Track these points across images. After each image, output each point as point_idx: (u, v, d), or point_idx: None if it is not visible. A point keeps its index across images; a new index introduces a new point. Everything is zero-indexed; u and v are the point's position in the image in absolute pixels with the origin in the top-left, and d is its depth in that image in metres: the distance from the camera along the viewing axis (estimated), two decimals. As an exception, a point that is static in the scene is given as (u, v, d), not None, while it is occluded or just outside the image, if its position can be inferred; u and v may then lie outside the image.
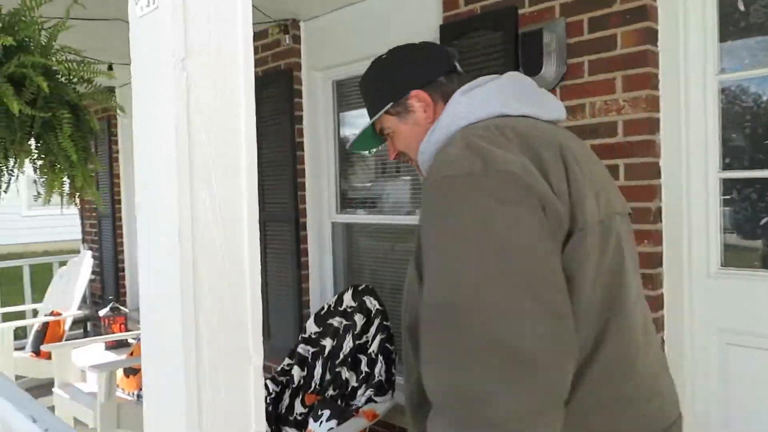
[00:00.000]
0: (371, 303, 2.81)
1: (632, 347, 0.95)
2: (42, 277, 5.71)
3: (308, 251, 3.46)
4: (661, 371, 1.03)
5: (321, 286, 3.47)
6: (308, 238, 3.46)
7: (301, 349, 2.93)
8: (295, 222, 3.42)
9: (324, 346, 2.89)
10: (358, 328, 2.79)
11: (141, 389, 3.74)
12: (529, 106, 1.02)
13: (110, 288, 5.52)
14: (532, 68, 2.22)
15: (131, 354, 3.81)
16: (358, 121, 3.37)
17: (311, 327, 2.97)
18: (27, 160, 1.92)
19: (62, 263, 5.69)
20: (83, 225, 6.01)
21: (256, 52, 3.69)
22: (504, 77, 1.07)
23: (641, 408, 0.95)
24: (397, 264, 3.17)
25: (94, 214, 5.77)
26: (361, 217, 3.30)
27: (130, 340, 4.06)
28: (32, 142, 1.90)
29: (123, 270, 5.46)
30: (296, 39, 3.40)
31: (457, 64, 1.17)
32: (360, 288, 2.92)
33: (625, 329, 0.93)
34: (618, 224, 0.97)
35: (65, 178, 2.01)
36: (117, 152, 5.39)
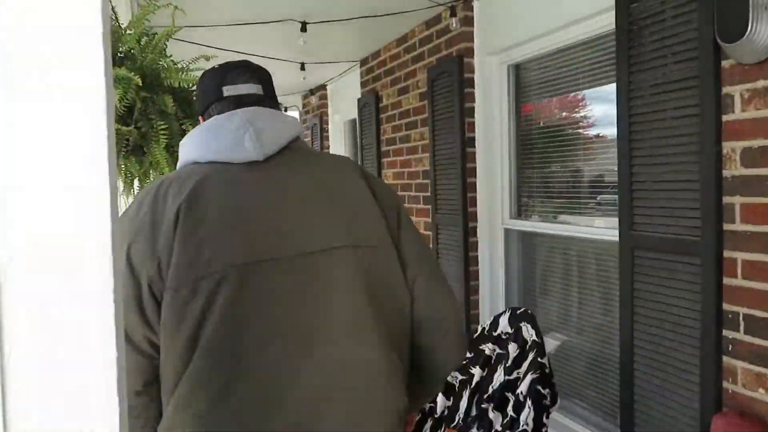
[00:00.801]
0: (528, 332, 2.34)
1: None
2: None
3: (478, 260, 3.07)
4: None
5: (492, 301, 3.06)
6: (479, 245, 3.07)
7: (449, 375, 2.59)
8: (464, 227, 3.06)
9: (472, 375, 2.50)
10: (510, 360, 2.34)
11: None
12: (221, 152, 1.07)
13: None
14: (732, 29, 1.54)
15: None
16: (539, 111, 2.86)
17: (462, 351, 2.60)
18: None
19: None
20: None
21: (429, 40, 3.40)
22: (213, 119, 1.12)
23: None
24: (577, 287, 2.62)
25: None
26: (538, 225, 2.80)
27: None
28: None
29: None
30: (468, 21, 3.01)
31: (230, 89, 1.15)
32: (518, 312, 2.46)
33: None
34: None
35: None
36: (328, 147, 5.57)
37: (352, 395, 1.06)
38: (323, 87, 5.52)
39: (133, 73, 1.71)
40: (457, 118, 3.05)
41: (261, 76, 1.20)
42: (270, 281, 1.03)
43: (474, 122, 3.03)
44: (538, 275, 2.85)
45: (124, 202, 1.93)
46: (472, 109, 3.03)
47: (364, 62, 4.39)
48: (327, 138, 5.54)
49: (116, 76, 1.73)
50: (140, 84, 1.72)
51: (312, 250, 1.05)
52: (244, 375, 1.02)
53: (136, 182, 1.97)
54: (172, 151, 1.93)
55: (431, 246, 3.46)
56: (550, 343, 2.78)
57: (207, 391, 1.01)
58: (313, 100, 5.69)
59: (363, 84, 4.45)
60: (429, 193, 3.43)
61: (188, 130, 1.93)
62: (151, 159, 1.89)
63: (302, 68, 4.23)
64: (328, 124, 5.54)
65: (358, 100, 4.46)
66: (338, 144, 5.49)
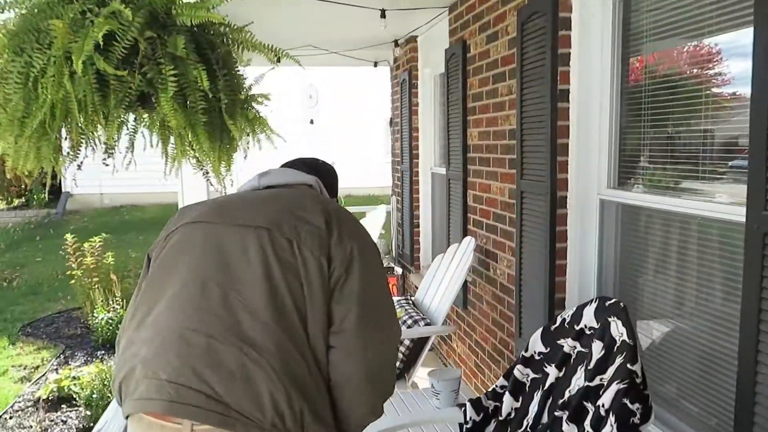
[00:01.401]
0: (617, 329, 1.90)
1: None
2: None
3: (567, 235, 2.62)
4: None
5: (581, 286, 2.60)
6: (568, 218, 2.61)
7: (519, 371, 2.20)
8: (551, 196, 2.60)
9: (547, 375, 2.10)
10: (593, 362, 1.92)
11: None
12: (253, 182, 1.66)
13: (408, 243, 5.46)
14: None
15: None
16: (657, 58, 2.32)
17: (536, 344, 2.20)
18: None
19: (361, 215, 5.87)
20: (393, 176, 6.09)
21: (520, -28, 2.91)
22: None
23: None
24: (687, 273, 2.11)
25: (398, 165, 5.76)
26: (642, 198, 2.30)
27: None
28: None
29: (418, 226, 5.32)
30: (567, -53, 2.49)
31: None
32: (608, 303, 2.01)
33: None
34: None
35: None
36: (417, 104, 5.18)
37: (194, 350, 1.28)
38: (414, 39, 5.10)
39: (125, 6, 1.44)
40: (548, 66, 2.56)
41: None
42: (207, 237, 1.42)
43: (569, 71, 2.54)
44: (640, 257, 2.35)
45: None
46: (567, 56, 2.53)
47: (453, 8, 3.93)
48: (416, 95, 5.15)
49: (108, 11, 1.47)
50: (132, 19, 1.45)
51: (237, 224, 1.42)
52: (157, 308, 1.36)
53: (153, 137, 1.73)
54: (185, 104, 1.66)
55: (514, 216, 3.03)
56: (647, 337, 2.31)
57: (133, 319, 1.39)
58: (398, 52, 5.28)
59: (451, 32, 4.00)
60: (515, 156, 2.98)
61: (202, 79, 1.65)
62: (160, 111, 1.63)
63: (382, 15, 3.85)
64: (417, 79, 5.13)
65: (446, 50, 4.02)
66: (428, 101, 5.08)
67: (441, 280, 3.51)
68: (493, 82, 3.31)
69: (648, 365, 2.18)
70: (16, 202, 12.16)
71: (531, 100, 2.75)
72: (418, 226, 5.31)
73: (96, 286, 5.74)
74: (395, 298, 3.93)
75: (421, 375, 3.92)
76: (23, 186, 11.69)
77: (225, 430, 1.23)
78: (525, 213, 2.88)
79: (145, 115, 1.71)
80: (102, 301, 5.63)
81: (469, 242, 3.48)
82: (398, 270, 4.20)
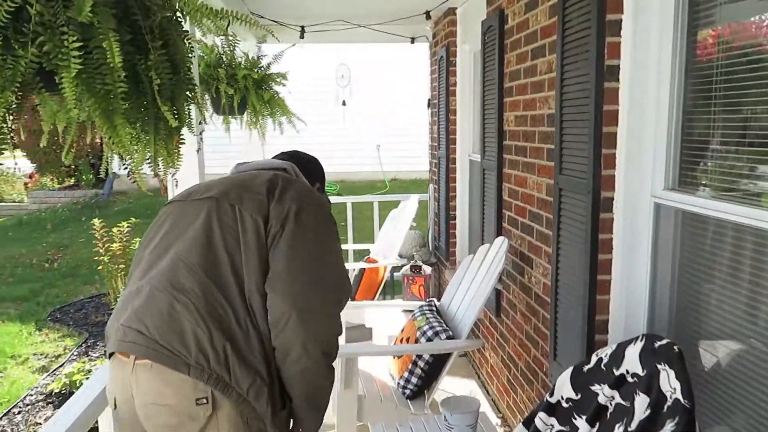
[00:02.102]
0: (669, 383, 1.44)
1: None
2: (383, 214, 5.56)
3: (612, 246, 2.14)
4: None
5: (627, 308, 2.12)
6: (614, 225, 2.13)
7: (541, 420, 1.77)
8: (594, 196, 2.13)
9: (576, 429, 1.66)
10: (635, 422, 1.47)
11: (408, 373, 3.13)
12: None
13: (443, 236, 5.03)
14: None
15: (402, 335, 3.18)
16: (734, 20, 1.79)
17: (564, 388, 1.76)
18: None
19: (394, 204, 5.47)
20: (430, 162, 5.64)
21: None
22: None
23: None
24: (753, 307, 1.61)
25: (435, 151, 5.31)
26: (711, 206, 1.80)
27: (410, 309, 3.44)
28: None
29: (454, 218, 4.88)
30: None
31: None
32: (659, 345, 1.55)
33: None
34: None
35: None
36: (454, 84, 4.70)
37: (161, 310, 1.51)
38: (453, 12, 4.61)
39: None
40: (593, 36, 2.07)
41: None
42: (174, 212, 1.71)
43: (619, 43, 2.04)
44: (706, 282, 1.86)
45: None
46: (618, 24, 2.04)
47: (491, -27, 3.44)
48: (454, 74, 4.67)
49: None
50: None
51: (195, 198, 1.68)
52: (136, 272, 1.65)
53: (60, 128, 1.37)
54: (93, 87, 1.29)
55: (551, 216, 2.56)
56: (711, 394, 1.82)
57: (131, 285, 1.64)
58: (430, 25, 4.78)
59: (489, 1, 3.51)
60: (553, 145, 2.51)
61: (114, 53, 1.27)
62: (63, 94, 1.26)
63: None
64: (455, 56, 4.65)
65: (482, 22, 3.54)
66: (466, 81, 4.60)
67: (468, 287, 3.08)
68: (531, 57, 2.82)
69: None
70: (67, 181, 12.34)
71: (573, 78, 2.27)
72: (454, 219, 4.86)
73: (120, 273, 5.57)
74: (418, 302, 3.53)
75: (447, 387, 3.52)
76: (73, 166, 11.82)
77: (159, 364, 1.45)
78: (563, 215, 2.41)
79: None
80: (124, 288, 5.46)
81: (501, 244, 3.03)
82: (426, 269, 3.76)
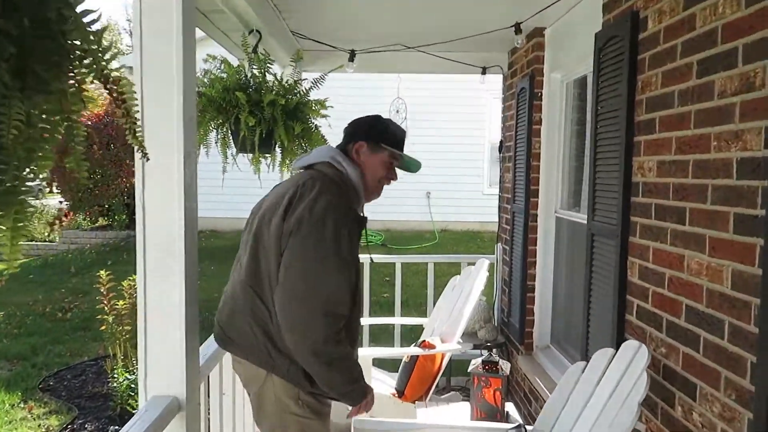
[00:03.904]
0: None
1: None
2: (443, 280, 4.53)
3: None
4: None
5: None
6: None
7: None
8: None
9: None
10: None
11: None
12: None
13: (516, 311, 3.98)
14: None
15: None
16: None
17: None
18: None
19: (472, 263, 4.44)
20: (499, 217, 4.64)
21: None
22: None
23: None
24: None
25: (507, 204, 4.31)
26: None
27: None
28: None
29: (533, 290, 3.83)
30: None
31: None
32: None
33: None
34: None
35: None
36: (539, 122, 3.74)
37: (230, 309, 2.02)
38: (540, 32, 3.68)
39: None
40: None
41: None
42: (246, 227, 2.07)
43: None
44: None
45: None
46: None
47: (610, -31, 2.50)
48: (539, 108, 3.71)
49: None
50: None
51: (255, 213, 2.04)
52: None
53: None
54: None
55: (742, 324, 1.52)
56: None
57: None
58: (520, 41, 3.82)
59: (607, 6, 2.56)
60: (755, 210, 1.50)
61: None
62: None
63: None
64: (542, 87, 3.69)
65: (597, 35, 2.58)
66: (555, 118, 3.63)
67: (594, 419, 2.02)
68: (699, 74, 1.83)
69: None
70: (100, 221, 11.77)
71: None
72: (533, 291, 3.82)
73: (126, 335, 4.68)
74: (495, 425, 2.49)
75: None
76: (106, 205, 11.26)
77: (229, 351, 2.10)
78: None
79: None
80: (131, 356, 4.56)
81: (635, 353, 1.99)
82: (505, 367, 2.71)
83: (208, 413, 2.37)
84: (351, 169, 2.00)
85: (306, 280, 1.79)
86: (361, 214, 2.00)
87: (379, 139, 2.04)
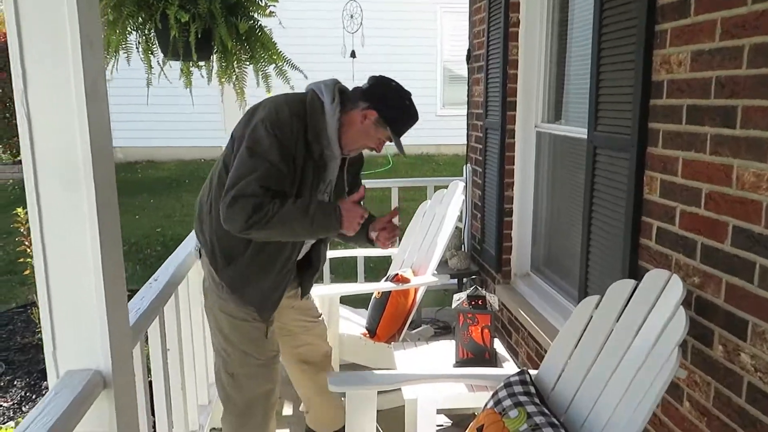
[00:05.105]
0: None
1: None
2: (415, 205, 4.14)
3: None
4: None
5: None
6: None
7: None
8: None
9: None
10: None
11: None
12: None
13: (491, 237, 3.66)
14: None
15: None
16: None
17: None
18: None
19: (439, 188, 4.07)
20: (468, 136, 4.24)
21: None
22: None
23: None
24: None
25: (477, 121, 3.91)
26: None
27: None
28: None
29: (510, 215, 3.50)
30: None
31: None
32: None
33: None
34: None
35: None
36: (517, 23, 3.28)
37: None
38: None
39: None
40: None
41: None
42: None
43: None
44: None
45: None
46: None
47: None
48: (516, 7, 3.23)
49: None
50: None
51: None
52: None
53: None
54: None
55: None
56: None
57: None
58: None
59: None
60: None
61: None
62: None
63: None
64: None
65: None
66: (536, 19, 3.18)
67: (613, 367, 1.71)
68: (729, 47, 1.42)
69: None
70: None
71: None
72: (510, 214, 3.48)
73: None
74: (492, 371, 2.18)
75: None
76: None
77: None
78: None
79: None
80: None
81: (666, 283, 1.67)
82: (494, 302, 2.37)
83: (150, 377, 1.96)
84: (332, 115, 2.00)
85: (236, 172, 1.92)
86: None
87: (392, 121, 2.04)
